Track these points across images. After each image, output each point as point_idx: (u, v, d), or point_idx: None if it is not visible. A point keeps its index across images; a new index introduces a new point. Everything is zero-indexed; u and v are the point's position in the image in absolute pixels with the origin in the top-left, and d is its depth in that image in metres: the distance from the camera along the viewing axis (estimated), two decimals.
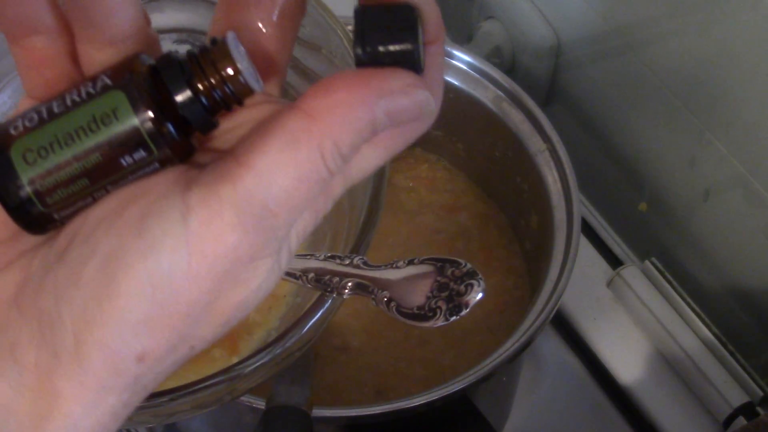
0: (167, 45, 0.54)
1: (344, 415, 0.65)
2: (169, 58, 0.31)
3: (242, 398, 0.59)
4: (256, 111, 0.33)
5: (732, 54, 0.73)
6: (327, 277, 0.47)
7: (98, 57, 0.32)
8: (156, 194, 0.30)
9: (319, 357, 0.76)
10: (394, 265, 0.45)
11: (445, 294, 0.44)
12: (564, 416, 0.84)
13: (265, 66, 0.33)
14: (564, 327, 0.87)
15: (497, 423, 0.78)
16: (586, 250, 0.89)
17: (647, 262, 0.87)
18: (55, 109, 0.31)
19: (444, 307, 0.42)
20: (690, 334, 0.83)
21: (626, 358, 0.85)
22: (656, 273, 0.86)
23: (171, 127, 0.31)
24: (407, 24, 0.31)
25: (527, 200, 0.80)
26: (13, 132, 0.31)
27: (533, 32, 0.90)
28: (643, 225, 0.89)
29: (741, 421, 0.79)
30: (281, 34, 0.34)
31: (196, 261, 0.29)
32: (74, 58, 0.33)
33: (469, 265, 0.45)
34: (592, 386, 0.85)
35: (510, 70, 0.93)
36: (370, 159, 0.32)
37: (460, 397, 0.65)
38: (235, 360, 0.46)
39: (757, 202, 0.75)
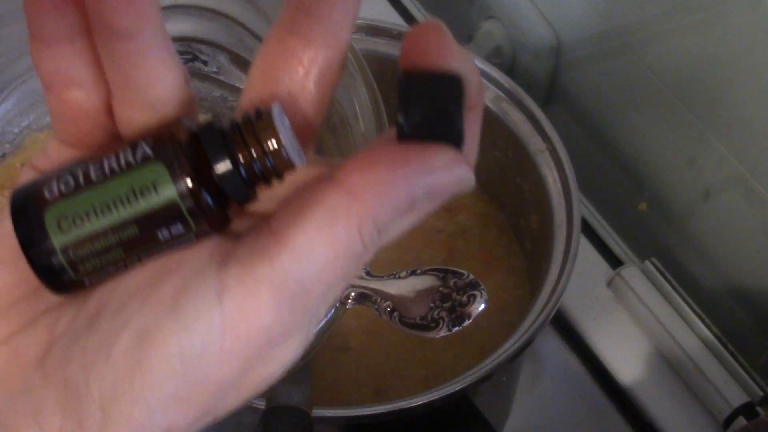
0: None
1: (344, 415, 0.65)
2: (211, 127, 0.30)
3: None
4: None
5: (732, 54, 0.73)
6: None
7: (136, 117, 0.31)
8: (191, 269, 0.30)
9: (319, 357, 0.76)
10: (397, 276, 0.45)
11: (447, 304, 0.44)
12: (564, 416, 0.84)
13: (303, 130, 0.32)
14: (564, 327, 0.87)
15: (497, 423, 0.78)
16: (586, 250, 0.89)
17: (647, 262, 0.87)
18: (93, 176, 0.30)
19: (447, 318, 0.43)
20: (690, 334, 0.83)
21: (626, 358, 0.85)
22: (656, 273, 0.86)
23: (210, 202, 0.30)
24: (452, 96, 0.30)
25: (527, 200, 0.80)
26: (47, 196, 0.30)
27: (533, 32, 0.90)
28: (643, 225, 0.89)
29: (741, 421, 0.79)
30: (320, 96, 0.33)
31: (229, 341, 0.29)
32: (110, 111, 0.32)
33: (471, 276, 0.45)
34: (592, 386, 0.85)
35: (510, 70, 0.93)
36: (401, 225, 0.31)
37: (460, 397, 0.65)
38: None
39: (757, 202, 0.75)
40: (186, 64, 0.62)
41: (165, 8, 0.55)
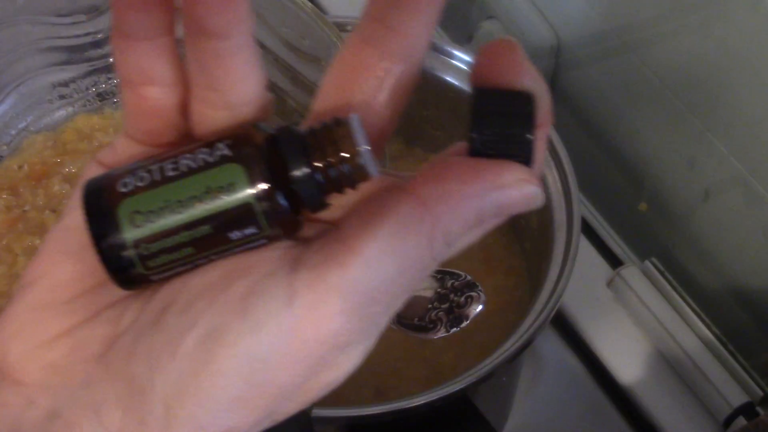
0: None
1: (344, 415, 0.65)
2: (290, 132, 0.30)
3: None
4: None
5: (732, 54, 0.73)
6: None
7: (212, 116, 0.32)
8: (261, 272, 0.30)
9: None
10: None
11: (445, 305, 0.44)
12: (564, 416, 0.84)
13: (374, 141, 0.32)
14: (564, 327, 0.87)
15: (497, 423, 0.78)
16: (586, 250, 0.89)
17: (647, 262, 0.87)
18: (169, 172, 0.30)
19: (445, 319, 0.43)
20: (690, 334, 0.83)
21: (626, 358, 0.85)
22: (656, 273, 0.86)
23: (284, 206, 0.30)
24: (524, 114, 0.30)
25: None
26: (122, 189, 0.30)
27: (533, 32, 0.90)
28: (643, 225, 0.89)
29: (741, 421, 0.79)
30: (393, 109, 0.33)
31: (296, 345, 0.29)
32: (185, 110, 0.32)
33: (469, 277, 0.45)
34: (592, 386, 0.85)
35: None
36: (466, 239, 0.32)
37: (460, 397, 0.65)
38: None
39: (757, 202, 0.75)
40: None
41: None
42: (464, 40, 0.96)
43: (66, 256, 0.32)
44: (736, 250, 0.81)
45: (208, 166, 0.30)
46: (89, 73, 0.69)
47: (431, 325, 0.44)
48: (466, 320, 0.42)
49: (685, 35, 0.77)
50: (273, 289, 0.29)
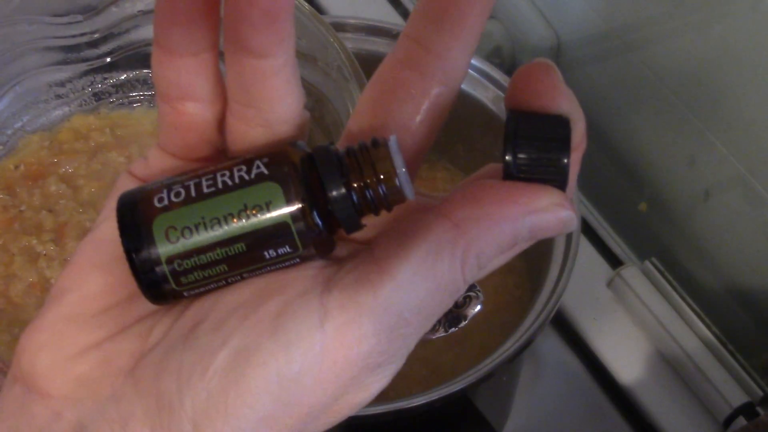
0: None
1: None
2: (327, 152, 0.30)
3: None
4: None
5: (732, 54, 0.73)
6: None
7: (249, 133, 0.31)
8: (294, 291, 0.30)
9: None
10: None
11: None
12: (564, 416, 0.84)
13: (409, 163, 0.32)
14: (564, 327, 0.87)
15: (497, 423, 0.78)
16: (586, 250, 0.89)
17: (647, 262, 0.87)
18: (205, 189, 0.30)
19: (443, 319, 0.43)
20: (690, 334, 0.83)
21: (626, 358, 0.85)
22: (656, 273, 0.86)
23: (320, 226, 0.30)
24: (560, 138, 0.30)
25: None
26: (157, 204, 0.30)
27: (533, 32, 0.90)
28: (643, 225, 0.89)
29: (741, 421, 0.79)
30: (428, 131, 0.33)
31: (327, 366, 0.29)
32: (221, 126, 0.32)
33: None
34: (592, 386, 0.85)
35: (510, 70, 0.93)
36: (498, 262, 0.32)
37: (460, 397, 0.65)
38: None
39: (757, 202, 0.75)
40: None
41: None
42: None
43: (96, 268, 0.32)
44: (736, 250, 0.80)
45: (245, 183, 0.30)
46: (85, 73, 0.69)
47: None
48: (465, 320, 0.42)
49: (685, 35, 0.77)
50: (305, 309, 0.29)
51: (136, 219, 0.30)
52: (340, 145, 0.31)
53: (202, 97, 0.31)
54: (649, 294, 0.85)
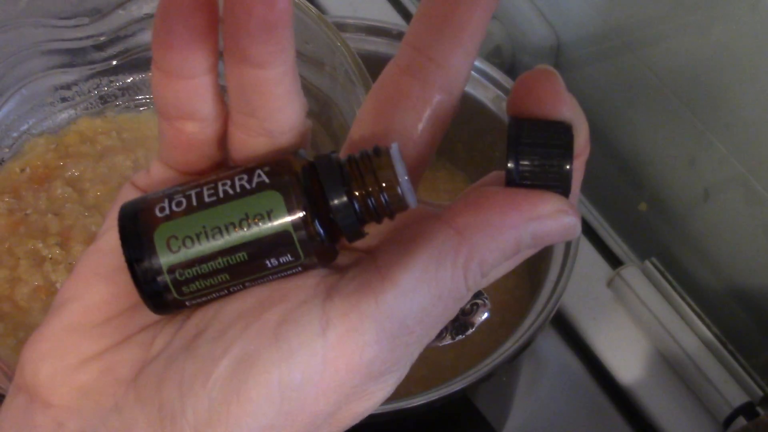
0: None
1: None
2: (329, 160, 0.30)
3: None
4: None
5: (732, 54, 0.73)
6: None
7: (251, 143, 0.31)
8: (296, 300, 0.30)
9: None
10: None
11: None
12: (564, 416, 0.84)
13: (411, 171, 0.31)
14: (564, 327, 0.87)
15: (497, 423, 0.78)
16: (586, 250, 0.89)
17: (647, 262, 0.87)
18: (206, 198, 0.30)
19: (450, 327, 0.43)
20: (690, 334, 0.83)
21: (626, 358, 0.85)
22: (656, 273, 0.86)
23: (322, 234, 0.30)
24: (563, 145, 0.30)
25: None
26: (158, 214, 0.30)
27: (533, 32, 0.90)
28: (643, 225, 0.89)
29: (741, 421, 0.79)
30: (430, 139, 0.33)
31: (329, 375, 0.29)
32: (221, 143, 0.32)
33: None
34: (592, 386, 0.85)
35: (510, 70, 0.93)
36: (501, 269, 0.32)
37: (460, 397, 0.65)
38: None
39: (757, 202, 0.75)
40: None
41: None
42: None
43: (99, 278, 0.32)
44: (736, 250, 0.81)
45: (246, 192, 0.30)
46: (91, 76, 0.69)
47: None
48: (472, 328, 0.42)
49: (685, 35, 0.77)
50: (307, 317, 0.29)
51: (137, 229, 0.30)
52: (343, 154, 0.31)
53: (202, 117, 0.31)
54: (649, 294, 0.85)
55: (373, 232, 0.31)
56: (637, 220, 0.89)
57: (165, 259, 0.30)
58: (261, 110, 0.30)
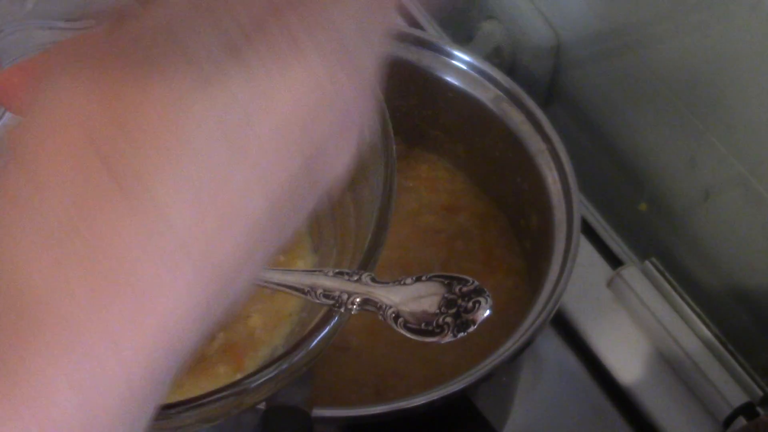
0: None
1: (344, 415, 0.65)
2: None
3: None
4: None
5: (732, 54, 0.73)
6: (335, 293, 0.46)
7: None
8: None
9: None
10: (402, 282, 0.46)
11: (452, 310, 0.44)
12: (564, 416, 0.84)
13: None
14: (564, 327, 0.87)
15: (497, 423, 0.78)
16: (586, 250, 0.89)
17: (647, 262, 0.87)
18: None
19: (452, 324, 0.43)
20: (690, 334, 0.83)
21: (626, 358, 0.85)
22: (656, 273, 0.86)
23: None
24: None
25: (527, 200, 0.80)
26: None
27: (533, 32, 0.90)
28: (643, 225, 0.89)
29: (741, 421, 0.79)
30: None
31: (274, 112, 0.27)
32: None
33: (476, 283, 0.45)
34: (592, 386, 0.85)
35: (510, 70, 0.93)
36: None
37: (460, 397, 0.65)
38: (239, 377, 0.46)
39: (757, 202, 0.75)
40: None
41: None
42: (464, 40, 0.96)
43: None
44: (736, 250, 0.81)
45: None
46: None
47: (438, 330, 0.44)
48: (474, 325, 0.42)
49: (685, 35, 0.77)
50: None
51: None
52: None
53: None
54: (649, 294, 0.85)
55: None
56: (637, 220, 0.89)
57: None
58: None
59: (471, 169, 0.87)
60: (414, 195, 0.87)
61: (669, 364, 0.84)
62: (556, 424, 0.84)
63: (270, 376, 0.45)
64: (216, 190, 0.27)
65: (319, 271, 0.48)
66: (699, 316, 0.84)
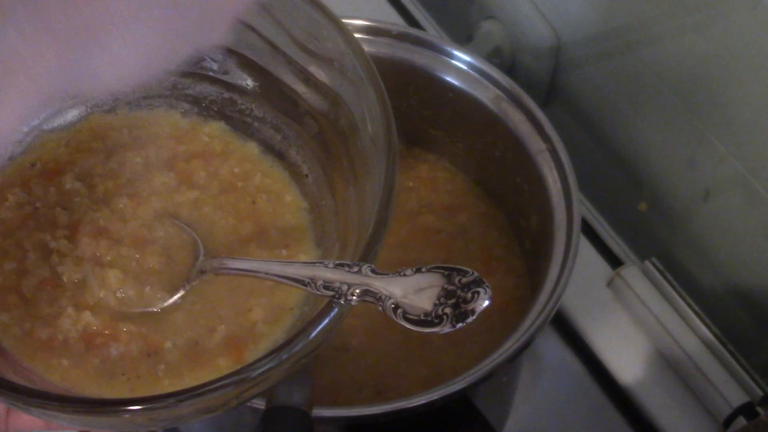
0: None
1: (344, 415, 0.65)
2: None
3: None
4: None
5: (732, 54, 0.73)
6: (335, 284, 0.47)
7: None
8: None
9: (319, 357, 0.76)
10: (402, 273, 0.46)
11: (451, 301, 0.44)
12: (564, 416, 0.84)
13: None
14: (564, 327, 0.87)
15: (497, 423, 0.78)
16: (586, 250, 0.90)
17: (647, 262, 0.87)
18: None
19: (450, 314, 0.43)
20: (690, 334, 0.83)
21: (626, 358, 0.85)
22: (656, 273, 0.86)
23: None
24: None
25: (527, 200, 0.80)
26: None
27: (533, 32, 0.90)
28: (643, 225, 0.89)
29: (741, 421, 0.79)
30: None
31: None
32: None
33: (475, 274, 0.45)
34: (592, 386, 0.85)
35: (510, 70, 0.93)
36: None
37: (460, 397, 0.65)
38: None
39: (757, 202, 0.75)
40: (195, 65, 0.62)
41: None
42: (464, 40, 0.96)
43: None
44: (736, 250, 0.81)
45: None
46: None
47: (437, 320, 0.44)
48: (473, 315, 0.42)
49: (685, 35, 0.77)
50: None
51: None
52: None
53: None
54: (649, 294, 0.85)
55: None
56: (637, 220, 0.89)
57: None
58: None
59: (471, 169, 0.87)
60: (414, 195, 0.87)
61: (669, 364, 0.84)
62: (555, 424, 0.84)
63: (270, 365, 0.45)
64: None
65: (320, 262, 0.48)
66: (699, 316, 0.84)
